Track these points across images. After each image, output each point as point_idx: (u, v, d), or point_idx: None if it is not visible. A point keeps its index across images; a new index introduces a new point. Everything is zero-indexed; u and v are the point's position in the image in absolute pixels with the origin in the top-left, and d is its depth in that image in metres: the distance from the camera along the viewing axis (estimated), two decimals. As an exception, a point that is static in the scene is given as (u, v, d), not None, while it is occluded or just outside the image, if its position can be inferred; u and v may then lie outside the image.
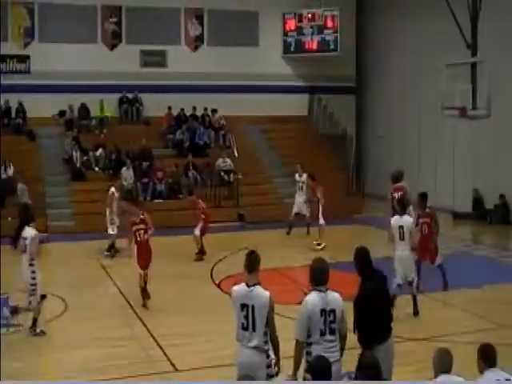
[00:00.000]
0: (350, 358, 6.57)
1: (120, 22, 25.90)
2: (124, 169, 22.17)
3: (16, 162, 21.59)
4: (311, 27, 27.18)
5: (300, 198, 19.51)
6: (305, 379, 6.07)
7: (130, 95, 25.73)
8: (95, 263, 16.28)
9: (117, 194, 17.19)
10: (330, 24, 26.88)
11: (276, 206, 23.03)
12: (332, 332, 6.34)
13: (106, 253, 16.89)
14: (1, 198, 20.52)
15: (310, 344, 6.36)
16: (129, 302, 12.78)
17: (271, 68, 27.21)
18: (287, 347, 6.62)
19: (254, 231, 20.56)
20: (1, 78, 22.86)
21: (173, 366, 9.56)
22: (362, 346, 6.57)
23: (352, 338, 6.94)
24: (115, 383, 9.09)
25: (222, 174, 23.45)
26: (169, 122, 25.50)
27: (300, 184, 19.65)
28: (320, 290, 6.39)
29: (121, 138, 23.82)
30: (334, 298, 6.40)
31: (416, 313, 11.84)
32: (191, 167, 23.37)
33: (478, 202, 22.60)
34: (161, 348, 10.30)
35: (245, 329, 6.49)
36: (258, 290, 6.49)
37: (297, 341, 6.44)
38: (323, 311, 6.30)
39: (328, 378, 5.56)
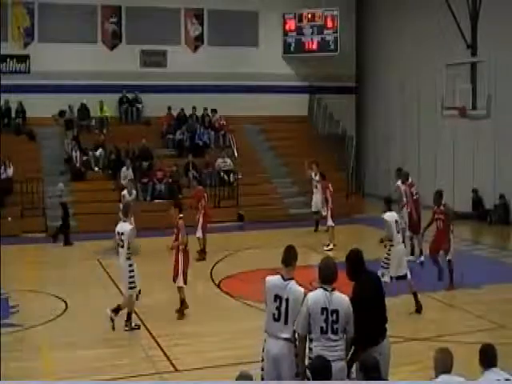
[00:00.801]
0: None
1: (120, 22, 25.89)
2: (124, 169, 22.18)
3: (16, 162, 21.59)
4: (311, 27, 27.17)
5: (317, 197, 19.81)
6: (306, 376, 6.10)
7: (130, 95, 25.72)
8: (95, 263, 16.27)
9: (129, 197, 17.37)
10: (329, 24, 26.87)
11: (276, 206, 23.04)
12: (334, 332, 6.34)
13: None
14: (1, 198, 20.53)
15: (311, 340, 6.42)
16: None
17: (271, 68, 27.18)
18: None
19: (254, 231, 20.58)
20: (1, 78, 22.83)
21: (173, 366, 9.56)
22: (356, 347, 6.57)
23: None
24: (115, 383, 9.10)
25: (222, 174, 23.45)
26: (169, 122, 25.48)
27: (315, 183, 19.95)
28: (325, 289, 6.42)
29: (121, 138, 23.83)
30: (338, 298, 6.39)
31: (419, 309, 11.87)
32: (191, 167, 23.35)
33: (478, 202, 22.60)
34: (161, 348, 10.30)
35: (276, 320, 6.59)
36: (294, 284, 6.62)
37: (298, 335, 6.51)
38: (324, 310, 6.31)
39: (327, 377, 5.59)
